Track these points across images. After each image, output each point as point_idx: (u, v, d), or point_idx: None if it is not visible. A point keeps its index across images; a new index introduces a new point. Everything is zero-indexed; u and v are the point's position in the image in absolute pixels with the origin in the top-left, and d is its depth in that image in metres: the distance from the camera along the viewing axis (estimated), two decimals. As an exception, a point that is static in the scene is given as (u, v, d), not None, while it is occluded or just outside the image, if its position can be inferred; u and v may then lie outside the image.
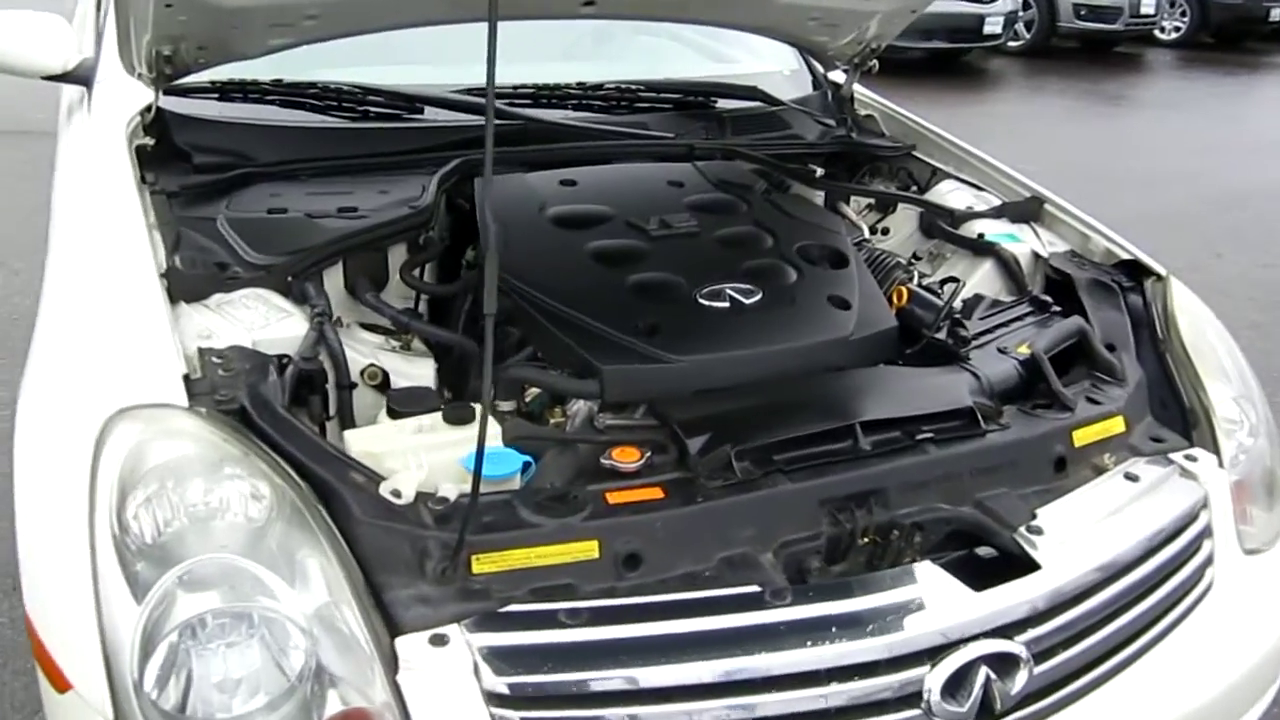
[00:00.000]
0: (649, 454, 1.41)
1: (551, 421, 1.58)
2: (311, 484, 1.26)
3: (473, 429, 1.39)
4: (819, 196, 2.24)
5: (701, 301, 1.64)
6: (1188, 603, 1.53)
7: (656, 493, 1.35)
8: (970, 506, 1.47)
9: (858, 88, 2.71)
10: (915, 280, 1.96)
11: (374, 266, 1.76)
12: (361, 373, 1.56)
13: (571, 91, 2.31)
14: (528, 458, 1.37)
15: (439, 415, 1.41)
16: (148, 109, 2.05)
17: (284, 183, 1.93)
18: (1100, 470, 1.61)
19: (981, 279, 2.05)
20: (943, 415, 1.53)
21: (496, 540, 1.26)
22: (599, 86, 2.34)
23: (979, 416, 1.53)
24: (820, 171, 2.38)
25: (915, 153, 2.50)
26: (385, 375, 1.57)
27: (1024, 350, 1.71)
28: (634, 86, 2.36)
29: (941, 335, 1.74)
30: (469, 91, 2.19)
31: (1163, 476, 1.61)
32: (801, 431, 1.44)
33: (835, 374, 1.61)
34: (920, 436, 1.49)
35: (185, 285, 1.56)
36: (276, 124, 2.06)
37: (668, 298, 1.65)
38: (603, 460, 1.40)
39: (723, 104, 2.46)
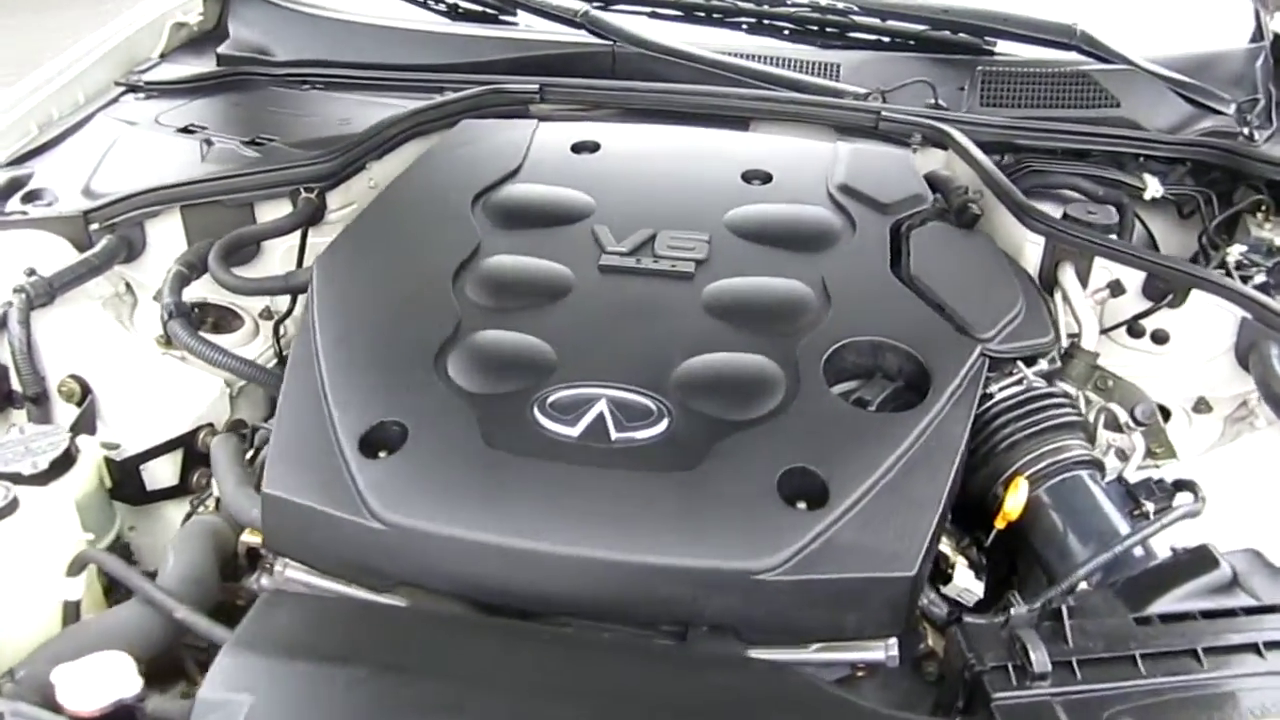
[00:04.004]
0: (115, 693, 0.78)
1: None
2: None
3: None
4: (1037, 244, 1.21)
5: (536, 414, 0.92)
6: None
7: None
8: None
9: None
10: (1115, 466, 0.97)
11: (224, 226, 1.26)
12: (59, 386, 1.11)
13: (743, 6, 1.52)
14: None
15: None
16: None
17: (276, 91, 1.52)
18: None
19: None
20: None
21: None
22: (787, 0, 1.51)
23: None
24: (1156, 191, 1.34)
25: None
26: (84, 391, 1.10)
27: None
28: (844, 6, 1.49)
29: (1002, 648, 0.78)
30: None
31: None
32: None
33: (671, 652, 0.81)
34: None
35: None
36: (324, 16, 1.66)
37: (494, 388, 0.95)
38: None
39: (1006, 48, 1.48)
